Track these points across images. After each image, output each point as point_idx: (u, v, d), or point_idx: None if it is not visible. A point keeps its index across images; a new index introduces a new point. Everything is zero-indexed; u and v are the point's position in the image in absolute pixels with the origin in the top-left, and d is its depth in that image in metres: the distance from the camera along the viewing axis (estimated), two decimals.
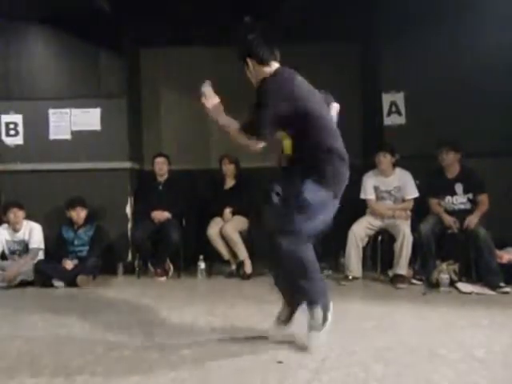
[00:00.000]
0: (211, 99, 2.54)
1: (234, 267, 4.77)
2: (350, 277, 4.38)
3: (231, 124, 2.51)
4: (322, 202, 2.41)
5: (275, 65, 2.50)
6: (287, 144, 2.52)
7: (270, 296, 3.83)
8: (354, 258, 4.41)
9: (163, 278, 4.67)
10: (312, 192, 2.36)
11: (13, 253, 4.73)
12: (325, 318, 2.51)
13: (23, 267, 4.53)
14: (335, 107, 2.70)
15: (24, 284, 4.49)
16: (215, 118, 2.56)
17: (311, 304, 2.51)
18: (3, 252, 4.73)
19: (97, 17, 4.91)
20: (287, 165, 2.55)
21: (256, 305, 3.56)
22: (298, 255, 2.39)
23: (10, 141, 5.23)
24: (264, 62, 2.46)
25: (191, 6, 4.85)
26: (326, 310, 2.52)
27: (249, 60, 2.47)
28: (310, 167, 2.42)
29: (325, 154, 2.43)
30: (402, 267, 4.24)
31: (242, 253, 4.68)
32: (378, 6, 4.95)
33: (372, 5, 4.97)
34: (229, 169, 5.04)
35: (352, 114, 5.51)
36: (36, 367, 2.38)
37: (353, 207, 4.66)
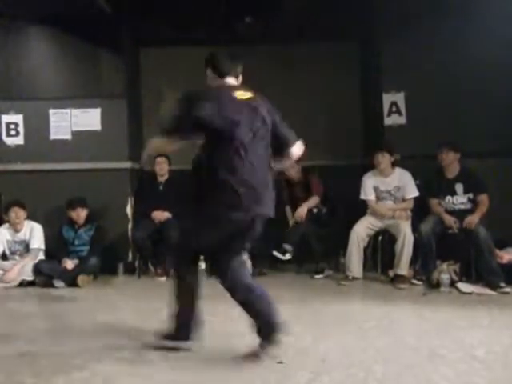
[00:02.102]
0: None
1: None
2: (351, 277, 4.38)
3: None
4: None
5: (230, 81, 2.58)
6: None
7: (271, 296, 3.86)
8: (354, 258, 4.40)
9: (163, 278, 4.67)
10: None
11: (13, 253, 4.73)
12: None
13: (24, 267, 4.53)
14: (296, 148, 2.67)
15: (25, 284, 4.49)
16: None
17: None
18: (4, 252, 4.73)
19: (97, 16, 4.91)
20: None
21: None
22: None
23: (10, 141, 5.23)
24: (219, 75, 2.58)
25: (191, 5, 4.85)
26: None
27: (208, 70, 2.61)
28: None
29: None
30: (403, 267, 4.24)
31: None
32: (377, 6, 4.95)
33: (372, 4, 4.98)
34: None
35: (352, 115, 5.55)
36: (36, 367, 2.39)
37: (353, 208, 4.70)
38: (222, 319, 3.21)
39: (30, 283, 4.49)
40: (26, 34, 5.30)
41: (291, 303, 3.56)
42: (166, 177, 5.06)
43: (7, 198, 5.06)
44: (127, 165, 5.16)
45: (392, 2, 4.75)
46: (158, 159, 5.02)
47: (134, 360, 2.46)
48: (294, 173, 4.85)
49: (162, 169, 5.02)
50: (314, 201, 4.79)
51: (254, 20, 4.99)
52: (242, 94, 2.48)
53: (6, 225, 4.78)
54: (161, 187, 5.03)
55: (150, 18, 5.12)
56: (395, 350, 2.54)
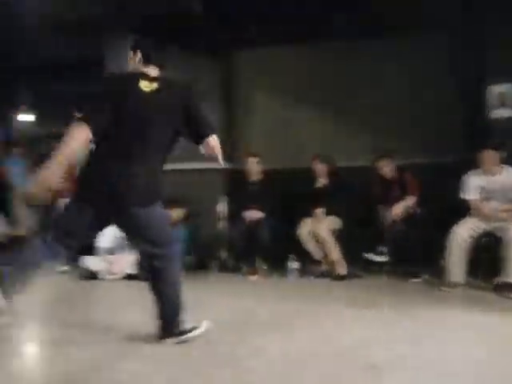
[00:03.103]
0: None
1: (325, 267, 4.70)
2: (450, 282, 4.10)
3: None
4: None
5: (152, 69, 2.65)
6: None
7: (363, 299, 3.75)
8: (456, 263, 4.11)
9: (255, 277, 4.72)
10: None
11: (118, 247, 5.04)
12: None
13: (128, 262, 4.82)
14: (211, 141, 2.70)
15: (129, 277, 4.78)
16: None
17: None
18: (111, 247, 5.05)
19: (189, 21, 5.08)
20: None
21: (349, 307, 3.47)
22: None
23: None
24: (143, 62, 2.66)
25: (279, 5, 4.85)
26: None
27: (138, 53, 2.69)
28: None
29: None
30: (511, 274, 3.88)
31: (335, 253, 4.59)
32: None
33: None
34: (321, 168, 4.97)
35: (452, 109, 5.18)
36: (137, 356, 2.52)
37: (453, 208, 4.39)
38: (312, 319, 3.15)
39: (133, 276, 4.77)
40: (125, 43, 5.63)
41: (386, 308, 3.43)
42: (258, 176, 5.11)
43: None
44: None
45: None
46: (250, 159, 5.09)
47: (227, 355, 2.50)
48: (388, 171, 4.66)
49: (254, 168, 5.07)
50: (410, 200, 4.55)
51: (350, 15, 4.87)
52: (147, 86, 2.55)
53: None
54: (253, 187, 5.09)
55: (242, 19, 5.19)
56: (492, 363, 2.32)
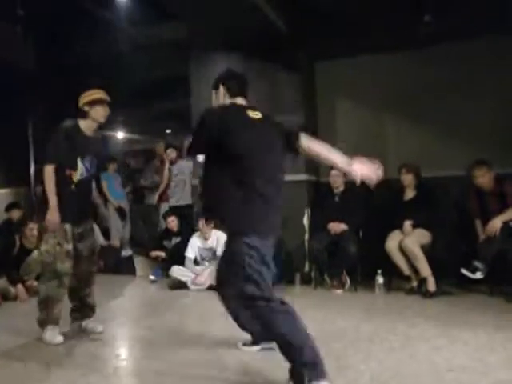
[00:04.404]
0: None
1: (414, 283, 4.47)
2: None
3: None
4: None
5: (239, 100, 2.65)
6: None
7: (455, 317, 3.51)
8: None
9: (340, 291, 4.60)
10: None
11: (203, 259, 5.19)
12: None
13: (212, 273, 4.92)
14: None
15: (213, 288, 4.87)
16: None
17: None
18: (195, 258, 5.21)
19: (275, 39, 5.16)
20: None
21: (440, 327, 3.26)
22: None
23: (201, 158, 5.79)
24: (231, 95, 2.65)
25: (364, 13, 4.79)
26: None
27: (221, 88, 2.67)
28: None
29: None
30: None
31: (425, 269, 4.35)
32: None
33: None
34: (408, 179, 4.76)
35: None
36: (221, 367, 2.54)
37: None
38: (402, 339, 3.00)
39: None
40: (212, 62, 5.83)
41: (484, 329, 3.19)
42: (341, 188, 5.01)
43: (199, 208, 5.59)
44: (304, 177, 5.25)
45: None
46: (333, 171, 5.00)
47: None
48: (486, 181, 4.34)
49: (336, 181, 4.98)
50: (510, 213, 4.20)
51: (433, 18, 4.67)
52: (255, 114, 2.54)
53: (198, 233, 5.27)
54: (337, 199, 5.00)
55: (324, 31, 5.18)
56: None
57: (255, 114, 2.54)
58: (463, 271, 4.20)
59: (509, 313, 3.73)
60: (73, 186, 3.23)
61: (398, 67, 5.12)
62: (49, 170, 3.15)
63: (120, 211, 6.85)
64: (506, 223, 4.16)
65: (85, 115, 3.30)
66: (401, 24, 4.89)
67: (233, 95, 2.66)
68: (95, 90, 3.36)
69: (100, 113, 3.30)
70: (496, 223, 4.16)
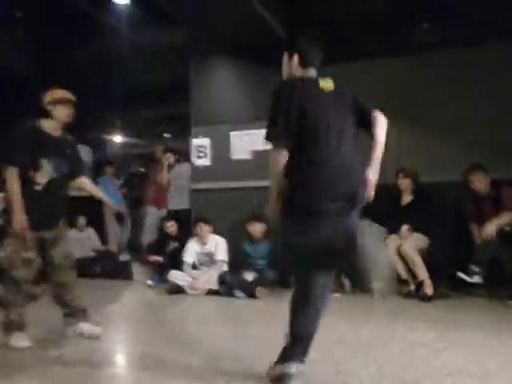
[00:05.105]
0: None
1: (412, 287, 4.49)
2: None
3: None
4: None
5: (311, 71, 2.51)
6: None
7: (453, 321, 3.53)
8: None
9: (338, 295, 4.62)
10: None
11: (201, 263, 5.17)
12: None
13: (210, 277, 4.93)
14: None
15: (211, 292, 4.88)
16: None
17: None
18: (193, 262, 5.21)
19: (273, 44, 5.17)
20: None
21: (438, 331, 3.28)
22: None
23: (199, 162, 5.81)
24: (304, 65, 2.49)
25: (366, 21, 4.82)
26: None
27: (295, 57, 2.50)
28: None
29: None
30: None
31: (422, 273, 4.37)
32: None
33: None
34: (405, 183, 4.79)
35: None
36: (221, 371, 2.56)
37: None
38: (400, 342, 3.02)
39: (215, 292, 4.86)
40: (211, 66, 5.87)
41: (481, 332, 3.20)
42: None
43: (197, 213, 5.61)
44: None
45: None
46: None
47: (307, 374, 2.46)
48: (482, 185, 4.38)
49: None
50: (506, 217, 4.23)
51: (431, 26, 4.71)
52: (327, 86, 2.42)
53: (195, 238, 5.26)
54: None
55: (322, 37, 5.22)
56: None
57: (327, 86, 2.43)
58: (460, 275, 4.23)
59: (507, 316, 3.76)
60: (38, 188, 3.09)
61: (397, 72, 5.13)
62: (11, 173, 3.01)
63: (118, 215, 6.84)
64: (501, 227, 4.21)
65: (48, 115, 3.18)
66: (399, 30, 4.94)
67: (306, 66, 2.50)
68: (59, 90, 3.25)
69: (63, 112, 3.18)
70: (492, 227, 4.20)
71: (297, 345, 2.32)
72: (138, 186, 7.40)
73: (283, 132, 2.29)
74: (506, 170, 4.54)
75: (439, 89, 5.00)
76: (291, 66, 2.51)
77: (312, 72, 2.51)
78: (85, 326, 3.32)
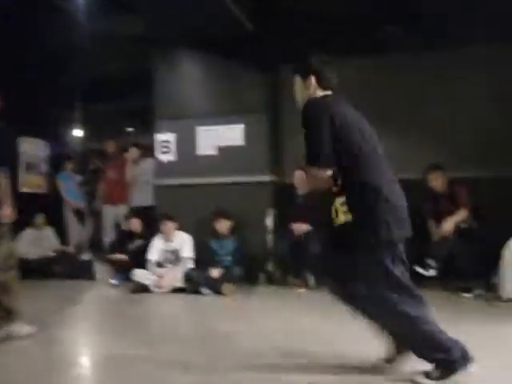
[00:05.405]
0: None
1: None
2: (505, 298, 4.00)
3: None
4: None
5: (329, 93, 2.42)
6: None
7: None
8: (509, 278, 4.02)
9: (303, 290, 4.73)
10: None
11: (166, 261, 5.13)
12: (441, 376, 2.23)
13: (176, 275, 4.92)
14: None
15: (176, 290, 4.86)
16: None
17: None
18: (159, 260, 5.17)
19: (240, 37, 5.17)
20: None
21: None
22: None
23: (164, 158, 5.76)
24: (324, 87, 2.40)
25: (329, 18, 4.89)
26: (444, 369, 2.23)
27: (313, 78, 2.40)
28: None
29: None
30: None
31: None
32: None
33: None
34: None
35: (508, 122, 5.02)
36: (186, 369, 2.58)
37: (508, 223, 4.29)
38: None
39: (181, 290, 4.85)
40: (175, 58, 5.80)
41: (437, 322, 3.36)
42: (305, 189, 5.13)
43: (161, 210, 5.56)
44: (268, 178, 5.34)
45: None
46: (297, 173, 5.12)
47: (272, 368, 2.54)
48: (439, 184, 4.59)
49: (301, 181, 5.10)
50: (461, 214, 4.47)
51: (394, 28, 4.86)
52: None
53: (160, 235, 5.22)
54: (300, 200, 5.12)
55: (291, 33, 5.22)
56: None
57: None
58: (417, 269, 4.43)
59: (460, 306, 3.99)
60: None
61: (362, 72, 5.24)
62: None
63: (78, 213, 6.69)
64: (457, 224, 4.45)
65: None
66: (366, 30, 5.03)
67: (325, 88, 2.40)
68: None
69: None
70: (449, 224, 4.43)
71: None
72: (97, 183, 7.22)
73: (331, 157, 2.21)
74: (461, 169, 4.79)
75: (399, 90, 5.17)
76: (308, 87, 2.40)
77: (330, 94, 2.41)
78: (16, 328, 3.21)
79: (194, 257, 5.09)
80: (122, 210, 6.18)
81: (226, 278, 4.79)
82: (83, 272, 5.82)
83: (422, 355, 2.29)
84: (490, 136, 4.96)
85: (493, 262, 4.22)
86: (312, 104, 2.29)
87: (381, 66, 5.24)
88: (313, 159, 2.23)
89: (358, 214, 2.22)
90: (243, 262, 4.95)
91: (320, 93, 2.39)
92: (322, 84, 2.39)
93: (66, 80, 7.31)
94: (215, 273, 4.82)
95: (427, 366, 2.29)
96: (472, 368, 2.22)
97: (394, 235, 2.23)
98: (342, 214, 2.27)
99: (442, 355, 2.22)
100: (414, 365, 2.35)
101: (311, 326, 3.42)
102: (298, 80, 2.45)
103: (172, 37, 5.62)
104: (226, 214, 5.09)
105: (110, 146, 6.60)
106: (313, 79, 2.38)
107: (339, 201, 2.28)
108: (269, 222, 5.30)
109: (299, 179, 5.10)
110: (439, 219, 4.53)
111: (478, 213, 4.53)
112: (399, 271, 2.27)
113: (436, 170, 4.64)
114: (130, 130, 10.17)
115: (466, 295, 4.30)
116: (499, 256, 4.11)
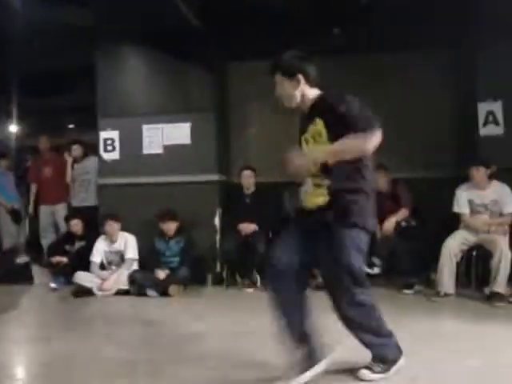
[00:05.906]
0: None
1: (320, 280, 4.74)
2: (442, 293, 4.20)
3: (343, 144, 2.27)
4: None
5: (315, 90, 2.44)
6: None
7: None
8: (446, 274, 4.22)
9: (251, 290, 4.74)
10: None
11: (110, 263, 4.99)
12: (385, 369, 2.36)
13: (119, 277, 4.78)
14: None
15: (120, 293, 4.73)
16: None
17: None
18: (102, 262, 5.01)
19: (186, 32, 5.09)
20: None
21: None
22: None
23: (107, 156, 5.58)
24: (311, 85, 2.41)
25: (278, 18, 4.90)
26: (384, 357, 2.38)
27: (300, 77, 2.38)
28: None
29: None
30: (500, 284, 4.00)
31: None
32: (470, 13, 4.75)
33: (464, 12, 4.78)
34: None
35: (444, 125, 5.31)
36: (133, 372, 2.53)
37: (445, 221, 4.51)
38: None
39: (125, 292, 4.73)
40: (120, 53, 5.62)
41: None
42: (252, 189, 5.15)
43: (105, 210, 5.39)
44: (215, 177, 5.30)
45: (486, 10, 4.53)
46: (244, 172, 5.13)
47: (217, 367, 2.55)
48: (382, 184, 4.75)
49: (249, 181, 5.11)
50: (402, 213, 4.65)
51: (341, 31, 4.98)
52: None
53: (103, 236, 5.07)
54: (247, 199, 5.13)
55: (238, 31, 5.23)
56: (488, 372, 2.40)
57: None
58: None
59: (400, 303, 4.12)
60: None
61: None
62: None
63: (13, 214, 6.33)
64: (398, 223, 4.62)
65: None
66: (313, 32, 5.08)
67: (312, 85, 2.40)
68: None
69: None
70: (391, 223, 4.60)
71: None
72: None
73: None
74: (404, 170, 4.98)
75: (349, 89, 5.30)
76: (296, 86, 2.38)
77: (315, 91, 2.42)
78: None
79: (139, 258, 4.97)
80: (60, 209, 5.93)
81: (173, 279, 4.71)
82: (20, 276, 5.51)
83: (370, 341, 2.39)
84: (428, 138, 5.22)
85: (431, 259, 4.43)
86: (339, 91, 2.34)
87: (328, 66, 5.34)
88: (374, 125, 2.26)
89: (343, 198, 2.29)
90: (190, 262, 4.88)
91: (310, 90, 2.40)
92: (309, 82, 2.39)
93: (1, 73, 6.90)
94: (161, 274, 4.73)
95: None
96: (402, 361, 2.38)
97: (371, 224, 2.40)
98: (314, 197, 2.36)
99: (386, 340, 2.38)
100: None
101: (258, 326, 3.42)
102: (282, 79, 2.41)
103: (117, 31, 5.43)
104: (173, 215, 4.99)
105: (43, 142, 6.28)
106: (301, 77, 2.37)
107: (309, 185, 2.39)
108: (216, 222, 5.27)
109: (247, 179, 5.11)
110: (383, 219, 4.68)
111: (417, 212, 4.73)
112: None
113: (379, 169, 4.77)
114: (71, 126, 9.79)
115: (407, 291, 4.48)
116: (438, 253, 4.30)
